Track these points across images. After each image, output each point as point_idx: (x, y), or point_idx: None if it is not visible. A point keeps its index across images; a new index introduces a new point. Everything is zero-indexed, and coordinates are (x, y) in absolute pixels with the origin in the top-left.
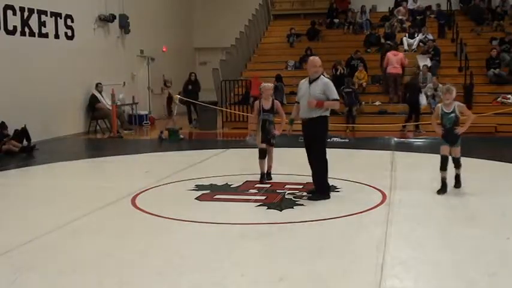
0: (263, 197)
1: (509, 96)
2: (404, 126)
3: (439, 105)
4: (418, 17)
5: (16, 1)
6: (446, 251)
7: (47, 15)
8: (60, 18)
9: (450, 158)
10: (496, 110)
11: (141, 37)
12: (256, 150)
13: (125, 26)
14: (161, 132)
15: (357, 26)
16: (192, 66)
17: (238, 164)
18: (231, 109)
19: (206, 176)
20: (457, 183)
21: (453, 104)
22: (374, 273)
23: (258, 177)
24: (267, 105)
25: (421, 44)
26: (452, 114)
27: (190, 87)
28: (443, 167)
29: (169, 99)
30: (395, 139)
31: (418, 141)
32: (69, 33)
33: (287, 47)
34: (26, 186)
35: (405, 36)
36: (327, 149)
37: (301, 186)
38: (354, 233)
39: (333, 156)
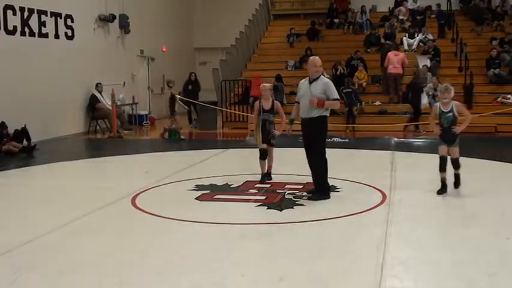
0: (263, 197)
1: (509, 96)
2: (407, 126)
3: (437, 104)
4: (418, 17)
5: (16, 1)
6: (446, 251)
7: (47, 15)
8: (60, 18)
9: (449, 158)
10: (496, 110)
11: (141, 37)
12: (256, 150)
13: (124, 26)
14: (165, 131)
15: (357, 26)
16: (192, 66)
17: (238, 164)
18: (231, 109)
19: (206, 176)
20: (457, 183)
21: (451, 104)
22: (374, 273)
23: (258, 177)
24: (267, 105)
25: (421, 44)
26: (450, 114)
27: (190, 87)
28: (443, 168)
29: (172, 99)
30: (396, 139)
31: (418, 141)
32: (69, 33)
33: (287, 47)
34: (26, 186)
35: (405, 36)
36: (326, 149)
37: (301, 186)
38: (354, 233)
39: (333, 156)
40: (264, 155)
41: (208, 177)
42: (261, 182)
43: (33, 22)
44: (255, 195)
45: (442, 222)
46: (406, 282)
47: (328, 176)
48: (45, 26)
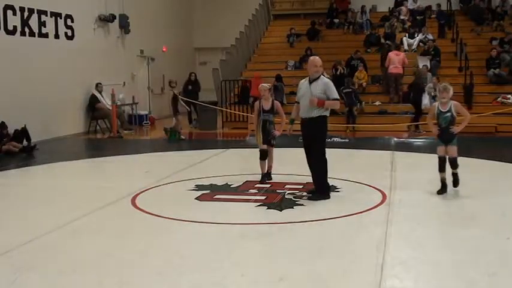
0: (263, 197)
1: (509, 96)
2: (410, 126)
3: (435, 104)
4: (418, 17)
5: (16, 1)
6: (446, 251)
7: (47, 15)
8: (60, 18)
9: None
10: (496, 110)
11: (141, 37)
12: (257, 151)
13: (124, 26)
14: (166, 131)
15: (357, 26)
16: (192, 66)
17: (238, 164)
18: (231, 109)
19: (206, 176)
20: (455, 183)
21: (449, 103)
22: (374, 273)
23: (258, 177)
24: (266, 105)
25: (421, 44)
26: (448, 114)
27: (190, 87)
28: (442, 169)
29: (174, 99)
30: (396, 139)
31: (418, 141)
32: (69, 33)
33: (287, 47)
34: (26, 186)
35: (405, 36)
36: (326, 149)
37: (301, 186)
38: (354, 233)
39: (333, 156)
40: (264, 156)
41: (208, 177)
42: (261, 182)
43: (33, 22)
44: (255, 195)
45: (442, 222)
46: (406, 282)
47: (328, 176)
48: (45, 26)
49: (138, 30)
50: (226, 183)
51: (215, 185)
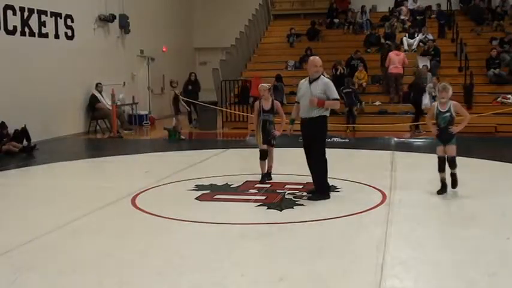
0: (263, 197)
1: (509, 96)
2: (411, 126)
3: (435, 104)
4: (418, 17)
5: (16, 1)
6: (446, 251)
7: (47, 15)
8: (60, 18)
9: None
10: (496, 110)
11: (141, 37)
12: (257, 150)
13: (125, 26)
14: (169, 131)
15: (357, 26)
16: (192, 66)
17: (238, 164)
18: (231, 109)
19: (206, 176)
20: (454, 183)
21: (448, 103)
22: (374, 273)
23: (258, 177)
24: (266, 105)
25: (421, 44)
26: (447, 114)
27: (190, 87)
28: (442, 168)
29: (176, 98)
30: (396, 139)
31: (418, 141)
32: (69, 33)
33: (287, 47)
34: (26, 186)
35: (405, 36)
36: (326, 149)
37: (301, 186)
38: (354, 233)
39: (333, 156)
40: (264, 156)
41: (208, 177)
42: (261, 182)
43: (33, 22)
44: (255, 195)
45: (442, 222)
46: (406, 282)
47: (328, 176)
48: (45, 26)
49: (138, 30)
50: (226, 183)
51: (215, 185)
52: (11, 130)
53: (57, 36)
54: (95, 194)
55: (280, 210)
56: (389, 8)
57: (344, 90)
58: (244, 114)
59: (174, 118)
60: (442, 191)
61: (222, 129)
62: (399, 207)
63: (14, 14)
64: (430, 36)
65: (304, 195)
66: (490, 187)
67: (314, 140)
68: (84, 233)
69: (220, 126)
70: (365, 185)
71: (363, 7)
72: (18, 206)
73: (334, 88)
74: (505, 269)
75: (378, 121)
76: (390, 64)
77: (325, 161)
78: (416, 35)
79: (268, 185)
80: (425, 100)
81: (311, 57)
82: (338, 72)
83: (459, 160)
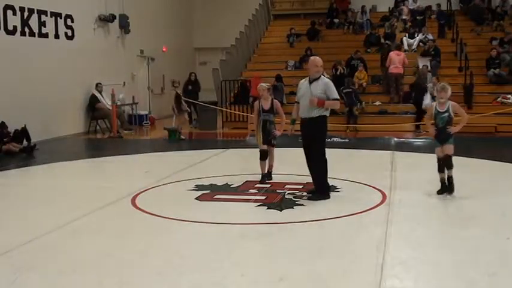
0: (263, 197)
1: (509, 96)
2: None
3: (433, 104)
4: (418, 17)
5: (16, 1)
6: (446, 251)
7: (47, 15)
8: (60, 18)
9: None
10: (496, 110)
11: (141, 37)
12: (257, 150)
13: (124, 26)
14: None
15: (357, 26)
16: (192, 66)
17: (238, 164)
18: (231, 109)
19: (206, 176)
20: (450, 188)
21: (447, 104)
22: (374, 273)
23: (258, 177)
24: (266, 105)
25: (421, 44)
26: (446, 114)
27: (190, 87)
28: (441, 169)
29: (178, 98)
30: (396, 139)
31: (418, 141)
32: (69, 33)
33: (287, 47)
34: (26, 186)
35: (405, 36)
36: (326, 149)
37: (301, 186)
38: (354, 233)
39: (333, 156)
40: (264, 156)
41: (208, 177)
42: (261, 182)
43: (33, 22)
44: (255, 195)
45: (442, 222)
46: (406, 282)
47: (328, 176)
48: (45, 26)
49: (138, 30)
50: (226, 183)
51: (215, 185)
52: (11, 130)
53: (57, 36)
54: (95, 194)
55: (280, 210)
56: (389, 8)
57: (344, 90)
58: (244, 114)
59: (175, 117)
60: (442, 191)
61: (222, 129)
62: (399, 207)
63: (14, 14)
64: (430, 36)
65: (304, 195)
66: (490, 187)
67: (314, 140)
68: (84, 233)
69: (220, 126)
70: (365, 185)
71: (363, 7)
72: (18, 206)
73: (334, 88)
74: (505, 269)
75: (378, 121)
76: (391, 64)
77: (325, 161)
78: (416, 35)
79: (268, 185)
80: (427, 100)
81: (312, 57)
82: (338, 72)
83: (459, 160)
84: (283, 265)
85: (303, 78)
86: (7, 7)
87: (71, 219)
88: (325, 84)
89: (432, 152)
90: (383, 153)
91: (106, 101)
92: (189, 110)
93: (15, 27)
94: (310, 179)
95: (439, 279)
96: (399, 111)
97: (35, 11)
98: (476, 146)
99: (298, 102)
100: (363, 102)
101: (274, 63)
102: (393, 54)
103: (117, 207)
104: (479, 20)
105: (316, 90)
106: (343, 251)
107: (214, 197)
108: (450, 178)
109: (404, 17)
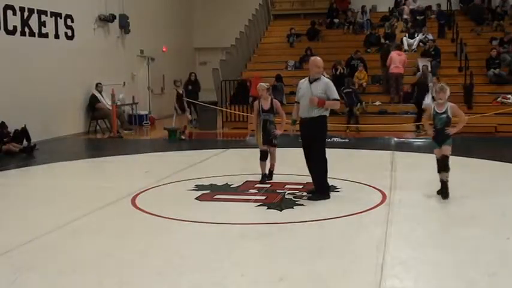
0: (263, 197)
1: (509, 96)
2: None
3: (432, 105)
4: (418, 17)
5: (16, 1)
6: (446, 251)
7: (47, 15)
8: (60, 18)
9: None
10: (496, 110)
11: (141, 37)
12: (257, 150)
13: (125, 26)
14: (183, 130)
15: (357, 26)
16: (192, 66)
17: (238, 164)
18: (231, 109)
19: (206, 176)
20: (444, 192)
21: (446, 105)
22: (374, 273)
23: (258, 177)
24: (266, 105)
25: (421, 44)
26: (444, 115)
27: (190, 87)
28: (440, 170)
29: (179, 98)
30: (396, 139)
31: (418, 141)
32: (69, 33)
33: (287, 47)
34: (26, 186)
35: (405, 36)
36: (326, 149)
37: (301, 186)
38: (354, 233)
39: (333, 156)
40: (264, 156)
41: (208, 177)
42: (261, 182)
43: (33, 22)
44: (255, 195)
45: (442, 222)
46: (406, 282)
47: (328, 176)
48: (45, 26)
49: (138, 30)
50: (226, 183)
51: (215, 185)
52: (11, 130)
53: (57, 36)
54: (95, 194)
55: (280, 210)
56: (389, 8)
57: (344, 90)
58: (244, 114)
59: (175, 117)
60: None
61: (222, 129)
62: (399, 207)
63: (14, 14)
64: (430, 36)
65: (304, 195)
66: (490, 187)
67: (314, 140)
68: (84, 233)
69: (220, 126)
70: (365, 185)
71: (363, 7)
72: (18, 206)
73: (334, 88)
74: (505, 269)
75: (378, 121)
76: (391, 64)
77: (325, 161)
78: (416, 35)
79: (268, 185)
80: (427, 100)
81: (313, 58)
82: (338, 72)
83: (459, 160)
84: (283, 265)
85: (303, 78)
86: (7, 7)
87: (71, 219)
88: (326, 84)
89: (432, 152)
90: (383, 153)
91: (106, 101)
92: (189, 111)
93: (15, 27)
94: (310, 179)
95: (439, 279)
96: (399, 111)
97: (35, 11)
98: (476, 146)
99: (298, 102)
100: (363, 102)
101: (274, 63)
102: (394, 54)
103: (117, 207)
104: (479, 20)
105: (317, 90)
106: (343, 251)
107: (214, 197)
108: (444, 183)
109: (405, 17)
